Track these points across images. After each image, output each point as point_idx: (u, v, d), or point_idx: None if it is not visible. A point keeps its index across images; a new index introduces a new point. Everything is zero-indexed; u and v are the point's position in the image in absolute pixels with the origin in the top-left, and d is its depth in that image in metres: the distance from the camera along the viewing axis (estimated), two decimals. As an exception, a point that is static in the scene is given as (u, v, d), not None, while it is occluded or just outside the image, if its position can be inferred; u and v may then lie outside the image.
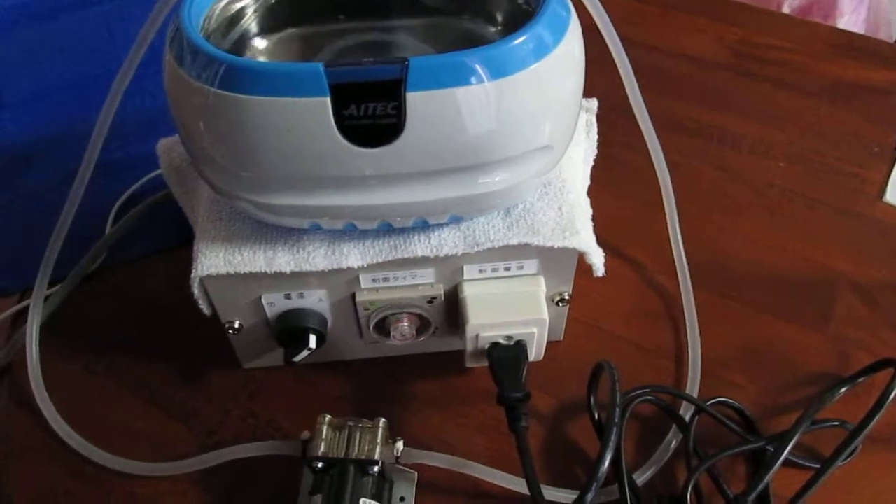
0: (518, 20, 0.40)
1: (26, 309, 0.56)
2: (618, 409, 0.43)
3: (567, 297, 0.50)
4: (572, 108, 0.41)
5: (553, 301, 0.50)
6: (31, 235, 0.63)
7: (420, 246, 0.45)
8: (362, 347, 0.52)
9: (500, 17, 0.45)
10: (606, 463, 0.41)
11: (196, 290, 0.46)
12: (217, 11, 0.42)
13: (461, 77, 0.36)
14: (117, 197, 0.64)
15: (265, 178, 0.40)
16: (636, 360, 0.54)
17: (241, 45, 0.44)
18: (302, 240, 0.45)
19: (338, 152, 0.38)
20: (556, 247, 0.45)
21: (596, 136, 0.54)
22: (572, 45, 0.40)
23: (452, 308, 0.49)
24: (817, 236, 0.61)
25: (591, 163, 0.53)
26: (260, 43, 0.44)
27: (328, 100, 0.36)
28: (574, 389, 0.52)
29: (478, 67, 0.36)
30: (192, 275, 0.45)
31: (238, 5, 0.44)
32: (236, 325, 0.49)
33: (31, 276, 0.56)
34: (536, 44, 0.37)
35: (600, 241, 0.48)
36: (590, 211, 0.49)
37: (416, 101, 0.36)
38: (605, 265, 0.48)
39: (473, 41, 0.43)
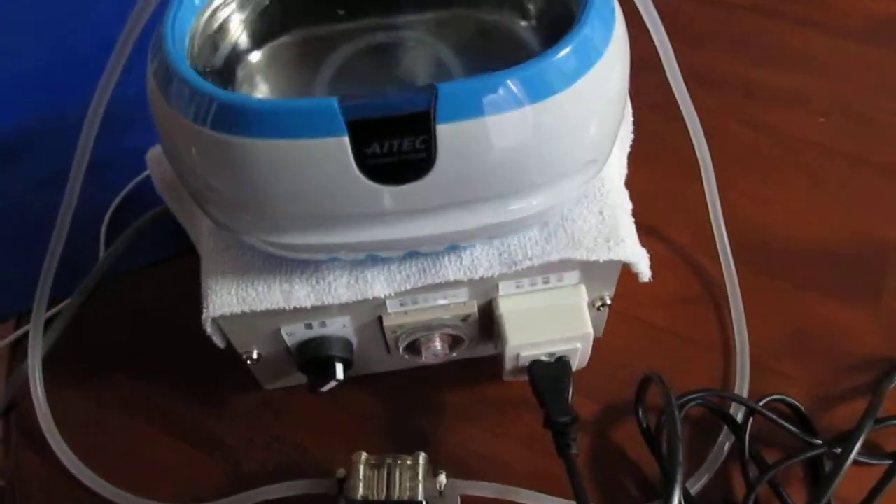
0: (552, 8, 0.35)
1: (25, 335, 0.52)
2: (680, 445, 0.40)
3: (609, 302, 0.46)
4: (620, 111, 0.36)
5: (594, 305, 0.46)
6: (9, 247, 0.58)
7: (451, 269, 0.41)
8: (391, 361, 0.49)
9: (530, 7, 0.39)
10: (676, 500, 0.38)
11: (209, 329, 0.42)
12: (203, 23, 0.36)
13: (498, 103, 0.31)
14: (110, 199, 0.59)
15: (275, 218, 0.35)
16: (681, 354, 0.51)
17: (235, 59, 0.38)
18: (321, 269, 0.41)
19: (360, 191, 0.33)
20: (600, 260, 0.41)
21: (631, 118, 0.49)
22: (621, 39, 0.35)
23: (487, 321, 0.45)
24: (863, 201, 0.57)
25: (628, 149, 0.48)
26: (255, 55, 0.39)
27: (346, 139, 0.31)
28: (617, 391, 0.49)
29: (517, 90, 0.31)
30: (204, 315, 0.41)
31: (225, 12, 0.38)
32: (255, 356, 0.45)
33: (11, 295, 0.51)
34: (583, 51, 0.32)
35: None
36: (630, 206, 0.45)
37: (448, 134, 0.31)
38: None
39: (500, 38, 0.38)
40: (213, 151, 0.32)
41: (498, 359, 0.46)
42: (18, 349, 0.55)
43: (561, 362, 0.44)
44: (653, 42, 0.44)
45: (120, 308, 0.55)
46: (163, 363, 0.52)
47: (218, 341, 0.44)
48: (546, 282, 0.43)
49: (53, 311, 0.54)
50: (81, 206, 0.50)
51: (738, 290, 0.52)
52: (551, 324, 0.43)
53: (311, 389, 0.45)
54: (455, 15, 0.40)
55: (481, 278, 0.40)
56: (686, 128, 0.50)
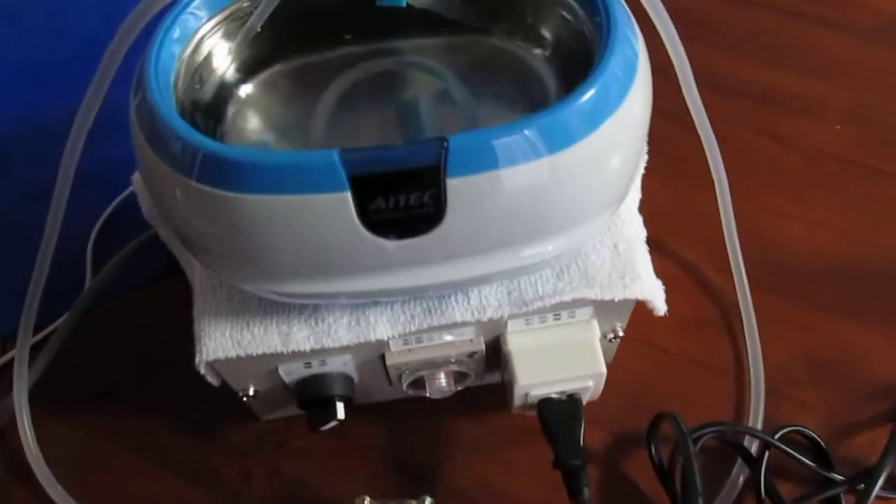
0: (568, 36, 0.32)
1: (11, 361, 0.50)
2: (699, 487, 0.38)
3: (621, 334, 0.44)
4: (643, 146, 0.34)
5: (605, 337, 0.44)
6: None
7: (458, 310, 0.38)
8: (393, 391, 0.47)
9: (545, 35, 0.36)
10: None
11: (202, 370, 0.40)
12: (189, 54, 0.33)
13: (513, 155, 0.29)
14: (96, 215, 0.57)
15: (271, 270, 0.33)
16: (693, 379, 0.49)
17: (224, 93, 0.36)
18: (320, 310, 0.39)
19: (363, 245, 0.31)
20: (616, 300, 0.39)
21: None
22: (644, 69, 0.32)
23: (495, 355, 0.43)
24: (885, 216, 0.54)
25: (642, 170, 0.46)
26: (246, 87, 0.36)
27: (348, 195, 0.29)
28: (627, 420, 0.48)
29: (534, 140, 0.29)
30: (197, 360, 0.39)
31: (212, 41, 0.35)
32: (251, 393, 0.43)
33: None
34: (608, 92, 0.30)
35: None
36: (644, 233, 0.43)
37: (459, 188, 0.29)
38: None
39: (511, 67, 0.35)
40: (200, 205, 0.30)
41: (505, 388, 0.44)
42: (4, 375, 0.53)
43: (572, 400, 0.42)
44: (661, 42, 0.41)
45: (106, 336, 0.53)
46: (155, 392, 0.50)
47: (212, 380, 0.42)
48: (557, 317, 0.41)
49: (39, 335, 0.52)
50: (67, 221, 0.48)
51: (752, 311, 0.50)
52: (562, 361, 0.41)
53: (311, 427, 0.43)
54: (463, 41, 0.37)
55: (490, 319, 0.38)
56: (698, 136, 0.47)
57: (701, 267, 0.53)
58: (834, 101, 0.60)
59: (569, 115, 0.29)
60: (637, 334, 0.50)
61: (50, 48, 0.67)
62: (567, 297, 0.38)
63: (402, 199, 0.29)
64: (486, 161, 0.28)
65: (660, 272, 0.44)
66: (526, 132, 0.28)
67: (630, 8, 0.34)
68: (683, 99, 0.44)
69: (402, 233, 0.30)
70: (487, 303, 0.38)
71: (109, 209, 0.56)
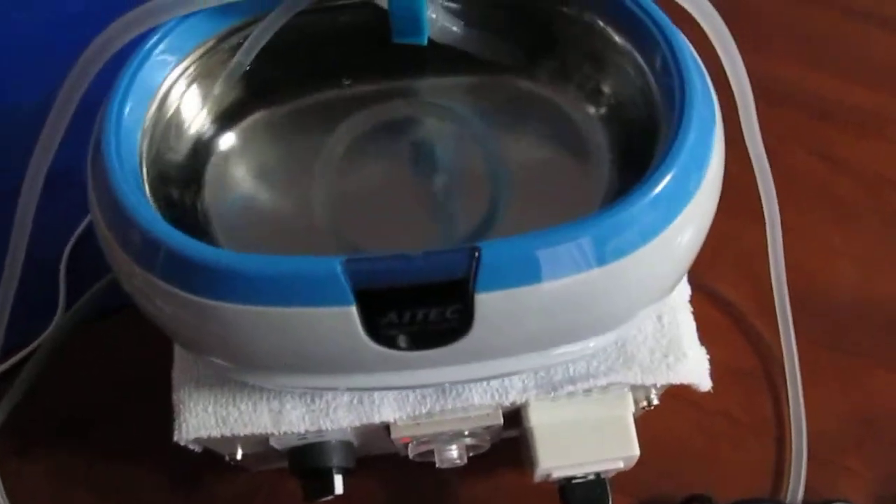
0: (625, 92, 0.26)
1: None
2: None
3: (656, 402, 0.39)
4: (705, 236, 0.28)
5: (638, 404, 0.39)
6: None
7: (477, 392, 0.33)
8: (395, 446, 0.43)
9: (603, 87, 0.30)
10: None
11: (182, 442, 0.35)
12: (154, 112, 0.27)
13: (557, 268, 0.23)
14: (71, 225, 0.51)
15: (256, 368, 0.28)
16: (728, 439, 0.45)
17: (204, 148, 0.29)
18: (317, 386, 0.34)
19: (370, 356, 0.25)
20: (658, 384, 0.34)
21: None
22: (720, 152, 0.26)
23: (512, 420, 0.39)
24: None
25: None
26: (229, 139, 0.30)
27: (353, 309, 0.23)
28: (656, 483, 0.43)
29: (586, 251, 0.23)
30: (176, 436, 0.34)
31: (183, 89, 0.28)
32: (238, 457, 0.39)
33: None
34: (681, 187, 0.24)
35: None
36: (688, 292, 0.37)
37: (490, 302, 0.24)
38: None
39: (547, 116, 0.29)
40: (177, 309, 0.24)
41: (522, 450, 0.40)
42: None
43: (599, 483, 0.38)
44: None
45: (78, 369, 0.47)
46: (133, 436, 0.45)
47: (194, 448, 0.37)
48: (587, 390, 0.36)
49: (7, 364, 0.47)
50: (37, 235, 0.42)
51: (797, 364, 0.45)
52: (591, 441, 0.37)
53: (305, 498, 0.39)
54: (492, 81, 0.31)
55: (512, 404, 0.33)
56: (745, 155, 0.41)
57: (742, 309, 0.48)
58: (893, 116, 0.53)
59: (632, 219, 0.23)
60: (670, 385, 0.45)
61: (20, 31, 0.60)
62: (602, 382, 0.33)
63: (420, 315, 0.24)
64: (525, 275, 0.23)
65: (696, 313, 0.39)
66: (574, 244, 0.23)
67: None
68: (728, 110, 0.38)
69: (419, 345, 0.25)
70: (511, 385, 0.33)
71: (86, 221, 0.50)
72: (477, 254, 0.23)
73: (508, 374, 0.30)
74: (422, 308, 0.23)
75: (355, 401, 0.34)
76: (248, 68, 0.29)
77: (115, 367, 0.48)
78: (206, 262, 0.23)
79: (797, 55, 0.56)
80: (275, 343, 0.26)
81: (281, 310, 0.23)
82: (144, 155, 0.27)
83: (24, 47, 0.58)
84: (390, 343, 0.25)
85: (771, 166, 0.42)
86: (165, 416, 0.44)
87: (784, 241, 0.46)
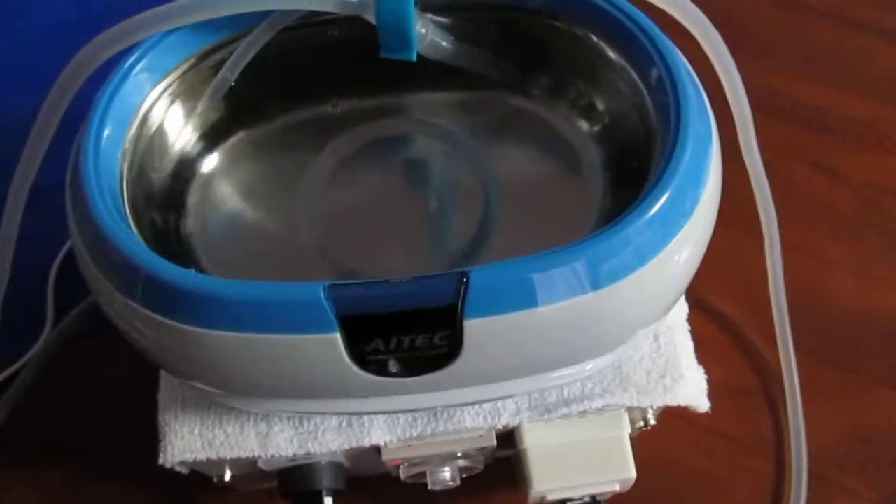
0: (618, 108, 0.25)
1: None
2: None
3: (653, 423, 0.39)
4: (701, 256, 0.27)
5: (634, 424, 0.39)
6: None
7: (469, 415, 0.33)
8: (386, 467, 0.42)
9: (596, 104, 0.29)
10: None
11: (168, 464, 0.34)
12: (134, 134, 0.26)
13: (550, 293, 0.22)
14: (60, 240, 0.50)
15: (240, 392, 0.27)
16: (726, 459, 0.44)
17: (188, 168, 0.29)
18: (306, 408, 0.33)
19: (357, 381, 0.25)
20: (654, 406, 0.33)
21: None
22: (717, 171, 0.26)
23: (506, 441, 0.38)
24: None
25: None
26: (211, 159, 0.29)
27: (338, 336, 0.23)
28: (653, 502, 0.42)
29: (580, 275, 0.22)
30: (161, 459, 0.33)
31: (164, 108, 0.28)
32: (227, 479, 0.38)
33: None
34: (677, 207, 0.23)
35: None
36: (686, 310, 0.37)
37: (479, 329, 0.23)
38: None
39: (543, 137, 0.28)
40: (158, 335, 0.24)
41: (515, 471, 0.39)
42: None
43: (594, 503, 0.37)
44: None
45: (63, 391, 0.46)
46: (120, 459, 0.44)
47: (182, 470, 0.36)
48: (582, 412, 0.36)
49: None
50: (24, 250, 0.41)
51: (796, 380, 0.44)
52: (586, 463, 0.36)
53: (295, 522, 0.38)
54: (483, 98, 0.30)
55: (505, 426, 0.33)
56: (743, 167, 0.41)
57: (741, 325, 0.47)
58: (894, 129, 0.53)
59: (627, 241, 0.22)
60: (666, 404, 0.45)
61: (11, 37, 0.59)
62: (597, 404, 0.32)
63: (407, 341, 0.23)
64: (516, 300, 0.22)
65: (694, 330, 0.38)
66: (568, 267, 0.22)
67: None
68: (725, 123, 0.38)
69: (406, 372, 0.24)
70: (504, 408, 0.32)
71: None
72: (465, 279, 0.22)
73: (501, 399, 0.29)
74: (408, 335, 0.23)
75: (344, 424, 0.33)
76: (232, 85, 0.29)
77: (103, 385, 0.47)
78: (186, 287, 0.22)
79: (794, 66, 0.55)
80: (259, 370, 0.25)
81: (264, 336, 0.22)
82: (125, 176, 0.26)
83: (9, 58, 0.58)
84: (377, 369, 0.24)
85: (769, 179, 0.42)
86: (154, 436, 0.43)
87: (783, 255, 0.45)
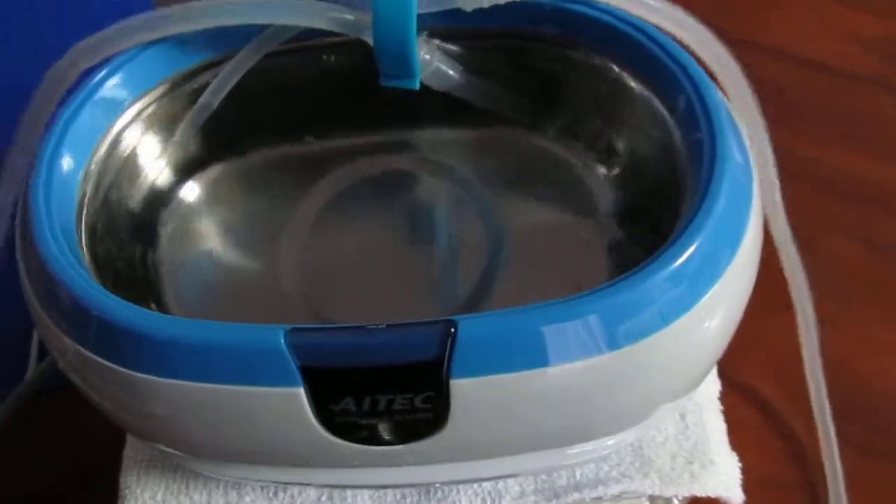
0: (644, 149, 0.22)
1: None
2: None
3: (677, 510, 0.34)
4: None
5: (655, 511, 0.34)
6: None
7: (466, 495, 0.28)
8: None
9: (616, 142, 0.26)
10: None
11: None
12: (101, 160, 0.24)
13: (558, 351, 0.19)
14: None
15: (202, 455, 0.24)
16: (760, 563, 0.39)
17: (158, 199, 0.26)
18: (282, 478, 0.29)
19: (329, 449, 0.21)
20: (680, 496, 0.29)
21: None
22: (758, 214, 0.22)
23: None
24: None
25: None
26: (187, 191, 0.26)
27: (301, 391, 0.19)
28: None
29: (594, 332, 0.19)
30: (119, 528, 0.30)
31: (138, 133, 0.25)
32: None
33: None
34: (711, 256, 0.20)
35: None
36: (718, 388, 0.33)
37: (469, 390, 0.19)
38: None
39: (555, 177, 0.25)
40: (105, 381, 0.21)
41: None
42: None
43: None
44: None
45: (42, 440, 0.43)
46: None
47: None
48: (596, 498, 0.31)
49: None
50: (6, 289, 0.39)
51: (839, 473, 0.40)
52: (599, 556, 0.31)
53: None
54: (489, 136, 0.27)
55: (508, 507, 0.29)
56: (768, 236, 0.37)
57: (775, 407, 0.43)
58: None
59: (649, 295, 0.19)
60: (693, 494, 0.40)
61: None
62: (614, 490, 0.28)
63: (383, 402, 0.19)
64: (514, 357, 0.19)
65: (726, 412, 0.34)
66: (578, 323, 0.18)
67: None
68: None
69: (383, 440, 0.21)
70: (506, 489, 0.28)
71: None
72: (453, 329, 0.18)
73: (501, 477, 0.25)
74: (384, 394, 0.19)
75: (325, 497, 0.29)
76: (214, 111, 0.26)
77: (78, 439, 0.44)
78: (129, 326, 0.19)
79: (835, 134, 0.53)
80: (218, 427, 0.21)
81: (219, 387, 0.19)
82: (87, 205, 0.23)
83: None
84: (350, 436, 0.20)
85: (808, 252, 0.38)
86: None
87: (824, 334, 0.41)
